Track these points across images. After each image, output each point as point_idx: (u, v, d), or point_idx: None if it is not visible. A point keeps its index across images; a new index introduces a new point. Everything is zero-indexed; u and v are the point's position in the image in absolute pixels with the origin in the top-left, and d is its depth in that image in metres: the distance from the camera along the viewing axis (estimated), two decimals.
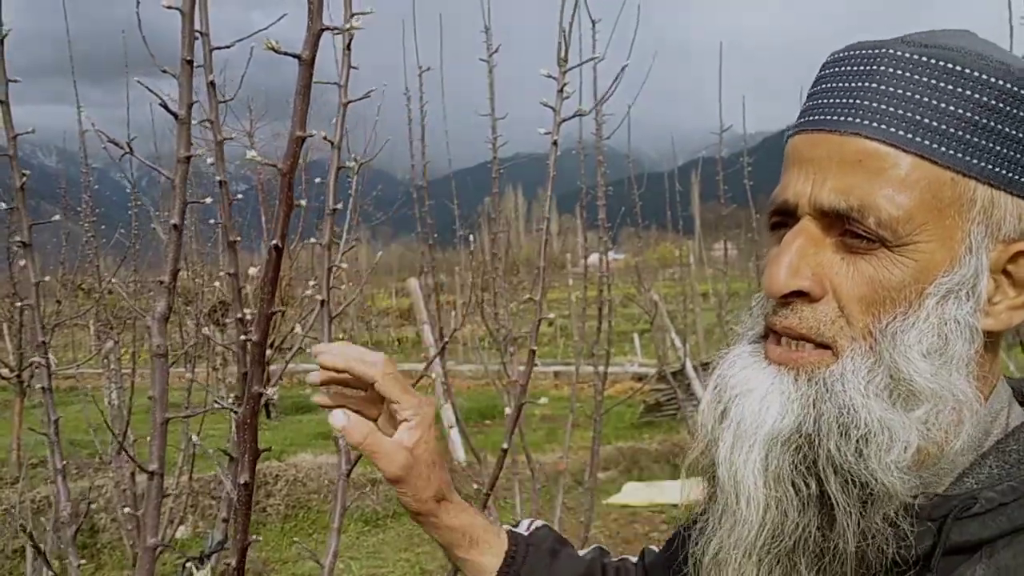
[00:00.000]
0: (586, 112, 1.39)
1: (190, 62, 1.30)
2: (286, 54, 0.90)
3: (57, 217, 1.71)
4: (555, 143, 1.39)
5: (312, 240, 1.58)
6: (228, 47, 1.52)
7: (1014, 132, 0.67)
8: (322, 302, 1.56)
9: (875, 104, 0.68)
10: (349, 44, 1.58)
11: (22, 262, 1.64)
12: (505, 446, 1.42)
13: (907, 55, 0.69)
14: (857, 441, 0.66)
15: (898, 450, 0.66)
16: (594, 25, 3.90)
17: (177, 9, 1.30)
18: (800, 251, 0.70)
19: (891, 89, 0.68)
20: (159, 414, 1.31)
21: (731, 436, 0.71)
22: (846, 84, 0.71)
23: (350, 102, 1.56)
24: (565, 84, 1.37)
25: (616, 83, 1.94)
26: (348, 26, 0.93)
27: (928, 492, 0.68)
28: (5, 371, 5.88)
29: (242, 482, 1.01)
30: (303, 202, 1.18)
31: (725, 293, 7.22)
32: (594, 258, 4.72)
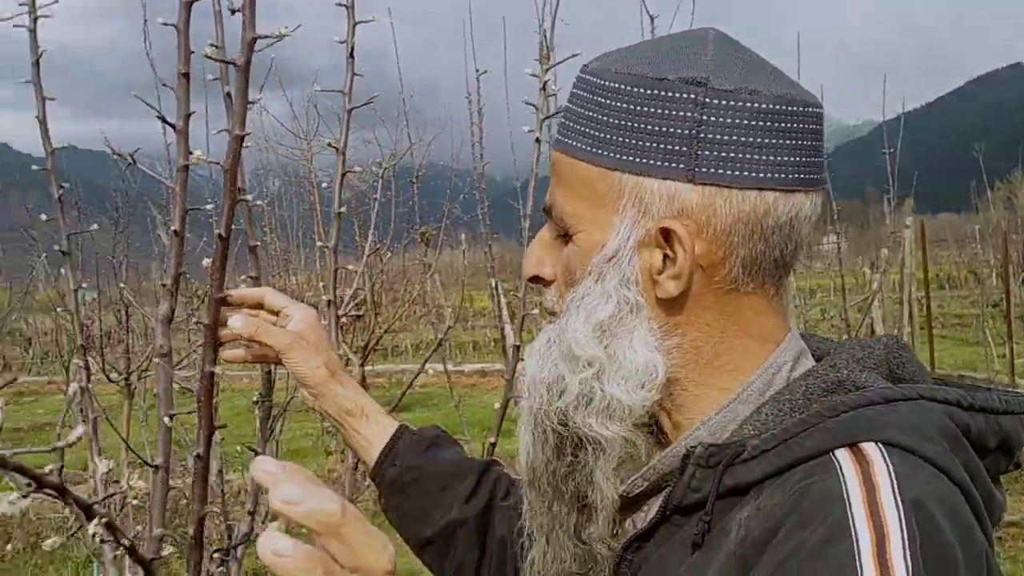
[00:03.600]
0: None
1: (186, 75, 1.37)
2: (222, 61, 0.94)
3: (96, 226, 1.82)
4: (538, 141, 1.42)
5: (319, 243, 1.64)
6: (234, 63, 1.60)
7: (638, 126, 0.75)
8: (329, 302, 1.60)
9: (564, 120, 0.81)
10: (352, 52, 1.63)
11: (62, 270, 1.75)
12: None
13: (580, 74, 0.80)
14: (557, 395, 0.78)
15: (584, 404, 0.76)
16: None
17: (173, 26, 1.37)
18: (541, 243, 0.85)
19: (570, 105, 0.81)
20: (163, 410, 1.39)
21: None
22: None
23: (353, 108, 1.61)
24: (547, 81, 1.39)
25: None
26: (279, 33, 0.96)
27: (711, 442, 0.74)
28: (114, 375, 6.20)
29: (196, 454, 1.08)
30: (250, 197, 1.23)
31: None
32: None
